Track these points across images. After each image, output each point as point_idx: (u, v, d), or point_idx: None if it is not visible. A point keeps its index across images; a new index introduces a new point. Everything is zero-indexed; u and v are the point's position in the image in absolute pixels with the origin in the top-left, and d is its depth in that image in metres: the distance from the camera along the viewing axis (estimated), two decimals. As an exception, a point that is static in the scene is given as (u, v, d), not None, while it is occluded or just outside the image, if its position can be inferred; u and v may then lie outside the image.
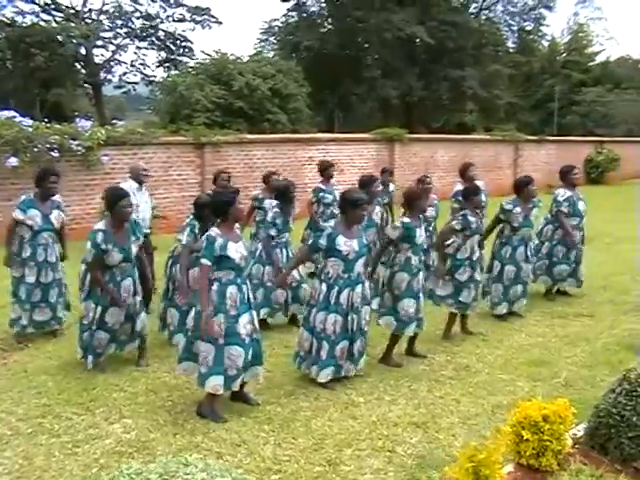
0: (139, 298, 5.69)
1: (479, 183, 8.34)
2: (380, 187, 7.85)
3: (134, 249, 5.55)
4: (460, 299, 6.50)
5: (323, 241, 5.16)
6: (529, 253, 7.23)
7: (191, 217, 6.03)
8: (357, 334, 5.30)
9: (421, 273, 5.87)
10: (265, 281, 6.70)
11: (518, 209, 7.10)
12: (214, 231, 4.63)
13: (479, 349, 6.30)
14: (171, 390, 5.16)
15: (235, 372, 4.61)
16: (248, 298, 4.78)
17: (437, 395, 5.19)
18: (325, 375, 5.22)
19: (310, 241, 5.35)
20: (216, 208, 4.75)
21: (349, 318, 5.20)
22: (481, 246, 6.86)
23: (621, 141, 26.51)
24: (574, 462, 3.53)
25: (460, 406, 4.99)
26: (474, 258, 6.52)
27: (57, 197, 6.44)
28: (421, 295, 5.86)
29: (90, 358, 5.48)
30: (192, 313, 4.80)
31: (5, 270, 6.43)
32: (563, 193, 7.89)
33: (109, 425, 4.56)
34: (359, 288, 5.27)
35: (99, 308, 5.41)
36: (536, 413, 3.43)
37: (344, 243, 5.14)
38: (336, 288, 5.16)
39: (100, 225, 5.44)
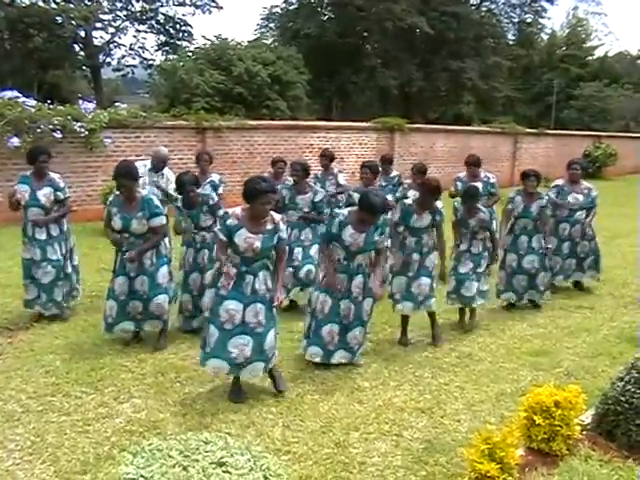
0: (151, 280, 5.58)
1: (489, 175, 8.51)
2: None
3: (138, 226, 5.45)
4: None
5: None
6: (535, 245, 7.23)
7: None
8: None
9: (415, 254, 5.96)
10: None
11: (519, 198, 7.18)
12: (233, 211, 4.63)
13: (481, 338, 6.36)
14: (179, 371, 5.19)
15: (209, 350, 4.62)
16: (252, 290, 4.58)
17: (441, 382, 5.25)
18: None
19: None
20: (247, 193, 4.58)
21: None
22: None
23: (618, 136, 26.65)
24: (583, 447, 3.60)
25: (464, 393, 5.05)
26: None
27: (56, 176, 6.27)
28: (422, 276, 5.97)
29: (103, 324, 5.63)
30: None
31: (7, 252, 6.40)
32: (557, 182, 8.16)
33: (119, 405, 4.60)
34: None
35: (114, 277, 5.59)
36: (548, 399, 3.49)
37: None
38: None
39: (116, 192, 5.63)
